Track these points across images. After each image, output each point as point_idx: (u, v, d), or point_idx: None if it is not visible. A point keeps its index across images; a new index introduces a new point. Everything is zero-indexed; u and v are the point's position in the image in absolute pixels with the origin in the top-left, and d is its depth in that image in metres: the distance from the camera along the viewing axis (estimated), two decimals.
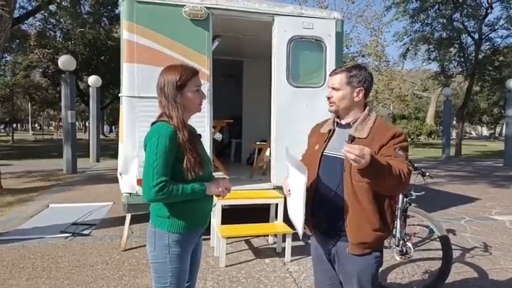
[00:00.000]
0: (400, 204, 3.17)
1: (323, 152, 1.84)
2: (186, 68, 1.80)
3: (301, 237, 1.84)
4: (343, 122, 1.87)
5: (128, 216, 4.16)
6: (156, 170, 1.64)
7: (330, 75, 1.88)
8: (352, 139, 1.75)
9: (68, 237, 4.51)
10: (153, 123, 1.80)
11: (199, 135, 1.92)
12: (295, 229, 1.88)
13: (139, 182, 3.86)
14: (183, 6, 4.05)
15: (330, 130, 1.88)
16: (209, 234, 4.19)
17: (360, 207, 1.71)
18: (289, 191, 1.93)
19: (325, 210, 1.81)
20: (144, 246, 4.09)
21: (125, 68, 3.98)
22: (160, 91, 1.78)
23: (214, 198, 3.90)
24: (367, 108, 1.86)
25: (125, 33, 3.97)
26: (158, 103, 1.81)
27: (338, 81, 1.82)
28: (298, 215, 1.76)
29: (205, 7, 4.12)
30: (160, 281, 1.79)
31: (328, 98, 1.86)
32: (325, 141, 1.86)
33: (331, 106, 1.86)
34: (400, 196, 3.20)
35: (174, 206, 1.74)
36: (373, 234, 1.73)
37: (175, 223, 1.75)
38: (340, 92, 1.81)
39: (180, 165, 1.69)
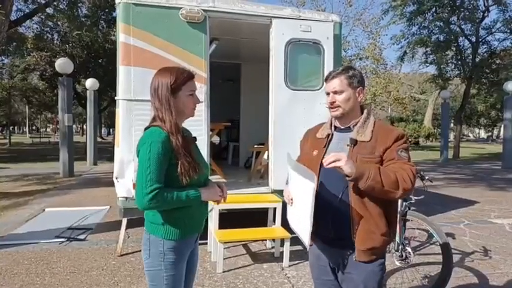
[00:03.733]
0: (399, 209, 3.14)
1: (323, 158, 1.79)
2: (182, 72, 1.75)
3: (308, 248, 1.77)
4: (342, 126, 1.82)
5: (124, 221, 4.11)
6: (149, 177, 1.60)
7: (327, 80, 1.82)
8: (354, 143, 1.71)
9: (63, 242, 4.45)
10: (146, 128, 1.75)
11: (195, 138, 1.87)
12: (293, 234, 1.79)
13: (135, 186, 3.81)
14: (179, 8, 4.02)
15: (328, 135, 1.83)
16: (206, 239, 4.14)
17: (367, 213, 1.68)
18: (291, 199, 1.84)
19: (331, 218, 1.74)
20: (140, 251, 4.04)
21: (121, 70, 3.94)
22: (154, 92, 1.73)
23: (211, 202, 3.87)
24: (366, 110, 1.81)
25: (121, 36, 3.93)
26: (151, 105, 1.76)
27: (339, 84, 1.76)
28: (304, 225, 1.67)
29: (202, 10, 4.09)
30: None
31: (332, 103, 1.78)
32: (324, 147, 1.81)
33: (335, 111, 1.77)
34: (399, 200, 3.17)
35: (168, 213, 1.70)
36: (381, 239, 1.71)
37: (170, 230, 1.71)
38: (344, 94, 1.76)
39: (174, 170, 1.65)
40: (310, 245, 1.90)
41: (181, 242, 1.74)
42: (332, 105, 1.78)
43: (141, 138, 1.70)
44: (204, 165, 1.82)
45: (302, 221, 1.71)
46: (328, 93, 1.81)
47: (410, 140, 24.74)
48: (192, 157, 1.69)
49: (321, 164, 1.77)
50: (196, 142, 1.88)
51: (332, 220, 1.75)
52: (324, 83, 1.86)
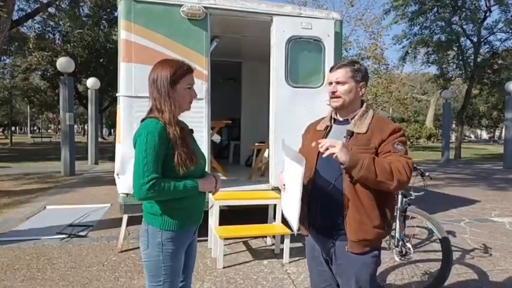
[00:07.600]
0: (399, 205, 3.14)
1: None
2: (182, 65, 1.77)
3: (295, 233, 1.78)
4: (341, 118, 1.84)
5: (125, 217, 4.12)
6: (146, 168, 1.61)
7: (331, 70, 1.84)
8: (351, 134, 1.72)
9: (64, 238, 4.46)
10: (142, 120, 1.77)
11: (191, 130, 1.89)
12: (289, 225, 1.81)
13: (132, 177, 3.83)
14: (181, 5, 4.03)
15: (327, 126, 1.85)
16: (207, 236, 4.15)
17: (360, 204, 1.68)
18: (284, 185, 1.89)
19: (321, 204, 1.77)
20: None
21: (122, 67, 3.96)
22: (152, 83, 1.74)
23: (212, 198, 3.88)
24: (365, 104, 1.84)
25: (123, 33, 3.95)
26: (149, 95, 1.77)
27: (343, 75, 1.77)
28: (293, 209, 1.70)
29: (203, 7, 4.10)
30: (153, 279, 1.75)
31: (333, 93, 1.79)
32: (322, 138, 1.82)
33: (336, 101, 1.79)
34: (399, 196, 3.17)
35: (166, 203, 1.71)
36: (374, 231, 1.70)
37: (168, 220, 1.72)
38: (347, 85, 1.77)
39: (171, 161, 1.66)
40: (306, 235, 1.92)
41: (180, 233, 1.75)
42: (333, 95, 1.79)
43: (137, 129, 1.72)
44: (201, 156, 1.83)
45: (292, 205, 1.73)
46: (330, 83, 1.81)
47: (411, 140, 24.75)
48: (188, 147, 1.71)
49: (318, 154, 1.79)
50: (193, 134, 1.89)
51: (322, 206, 1.76)
52: (327, 74, 1.89)
